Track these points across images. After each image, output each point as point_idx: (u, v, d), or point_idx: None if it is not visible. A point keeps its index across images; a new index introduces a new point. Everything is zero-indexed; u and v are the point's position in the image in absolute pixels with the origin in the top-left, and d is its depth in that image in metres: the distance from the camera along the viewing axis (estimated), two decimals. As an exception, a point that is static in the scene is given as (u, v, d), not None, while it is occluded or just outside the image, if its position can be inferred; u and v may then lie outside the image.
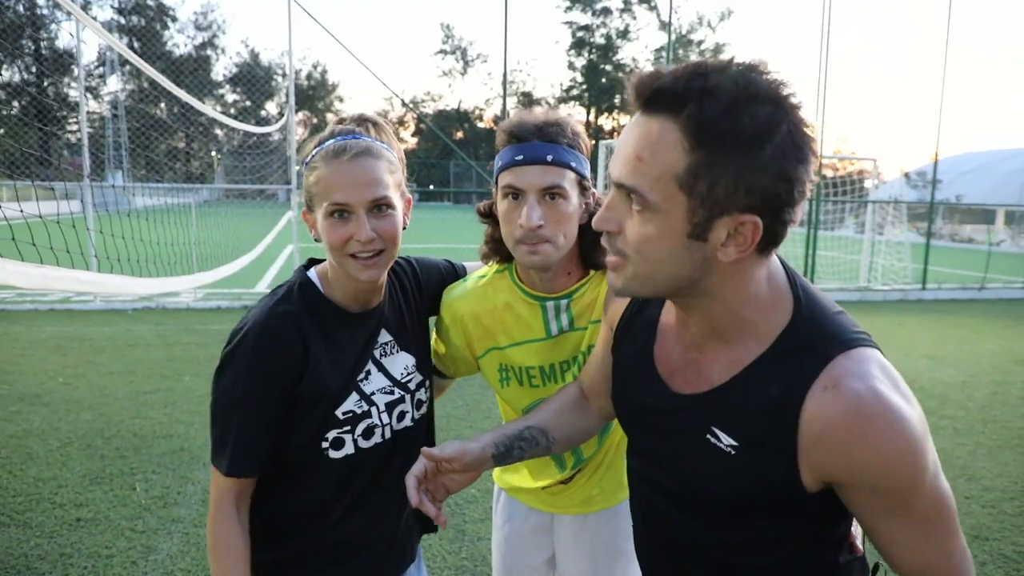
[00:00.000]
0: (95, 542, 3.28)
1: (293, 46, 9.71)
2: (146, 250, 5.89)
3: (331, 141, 1.33)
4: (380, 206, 1.31)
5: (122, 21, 41.21)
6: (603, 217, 0.95)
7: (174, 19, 45.18)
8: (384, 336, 1.47)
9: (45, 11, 35.92)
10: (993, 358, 7.46)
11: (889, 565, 0.99)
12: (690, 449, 1.04)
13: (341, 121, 1.40)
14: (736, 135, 0.83)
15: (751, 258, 0.93)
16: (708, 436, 1.00)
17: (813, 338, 0.95)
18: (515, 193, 1.40)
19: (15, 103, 35.07)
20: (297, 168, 10.05)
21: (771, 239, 0.91)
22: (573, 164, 1.40)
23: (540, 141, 1.39)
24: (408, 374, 1.49)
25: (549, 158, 1.37)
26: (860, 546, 1.13)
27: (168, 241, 7.38)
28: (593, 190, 1.49)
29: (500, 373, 1.61)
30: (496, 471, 1.83)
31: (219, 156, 30.16)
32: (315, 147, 1.35)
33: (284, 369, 1.31)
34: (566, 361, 1.56)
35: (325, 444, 1.37)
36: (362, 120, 1.39)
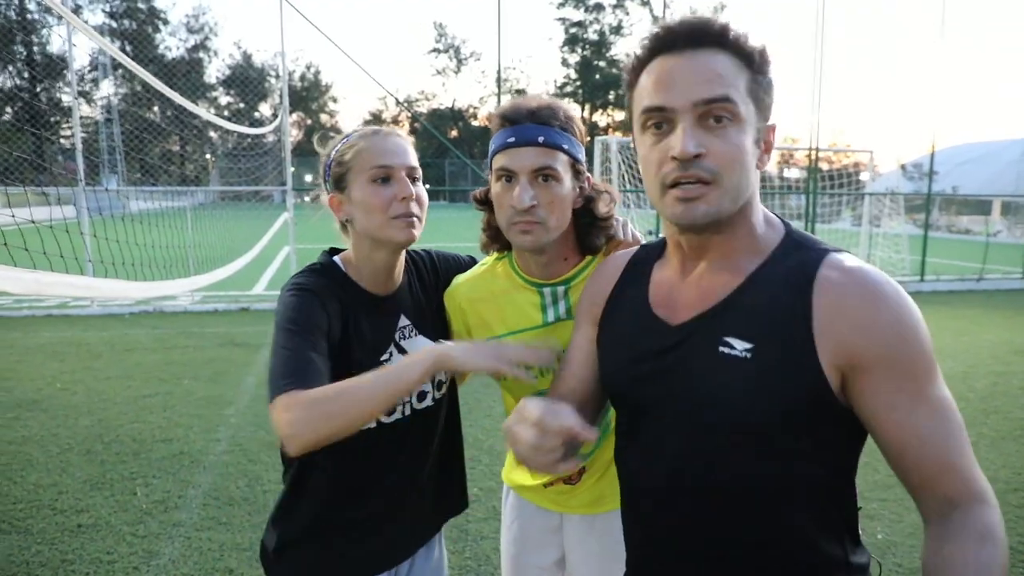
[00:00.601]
0: (96, 548, 3.25)
1: (286, 47, 9.68)
2: (141, 253, 5.87)
3: (364, 128, 1.48)
4: (414, 175, 1.46)
5: (114, 25, 41.10)
6: (688, 143, 0.96)
7: (166, 22, 45.06)
8: (403, 320, 1.54)
9: (36, 16, 35.83)
10: (993, 349, 7.46)
11: (905, 476, 0.97)
12: (703, 370, 1.02)
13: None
14: (763, 61, 1.02)
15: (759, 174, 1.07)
16: (721, 348, 1.01)
17: (807, 244, 1.05)
18: (508, 175, 1.40)
19: (8, 109, 34.93)
20: (293, 170, 10.02)
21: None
22: (565, 146, 1.40)
23: (532, 124, 1.39)
24: None
25: (541, 139, 1.38)
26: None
27: (164, 244, 7.34)
28: (588, 175, 1.49)
29: None
30: (504, 470, 1.82)
31: (214, 159, 30.10)
32: (343, 139, 1.49)
33: (322, 319, 1.34)
34: (562, 351, 1.55)
35: None
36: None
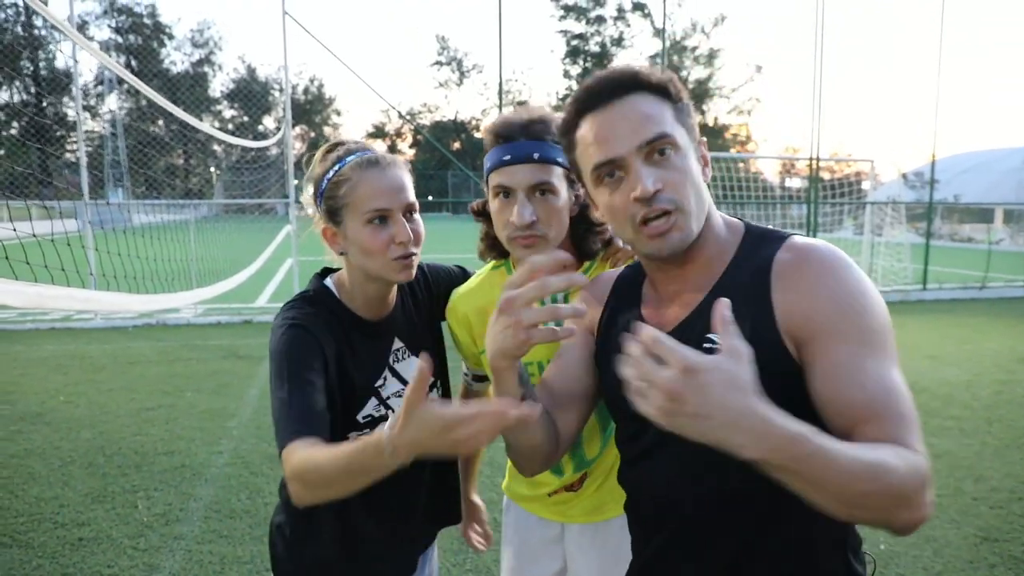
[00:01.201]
0: (97, 561, 3.25)
1: (290, 61, 9.74)
2: (143, 267, 5.88)
3: (359, 155, 1.41)
4: (411, 210, 1.43)
5: (119, 40, 41.41)
6: (647, 182, 1.02)
7: (171, 37, 45.47)
8: (396, 343, 1.54)
9: (43, 31, 36.11)
10: (996, 357, 7.44)
11: (829, 416, 0.95)
12: None
13: (339, 144, 1.48)
14: (677, 90, 1.10)
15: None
16: (705, 346, 1.04)
17: (768, 236, 1.11)
18: (505, 192, 1.43)
19: (14, 123, 35.17)
20: (296, 183, 10.07)
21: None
22: (560, 159, 1.42)
23: (526, 140, 1.42)
24: None
25: (536, 156, 1.40)
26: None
27: (166, 257, 7.37)
28: (582, 182, 1.51)
29: None
30: (505, 481, 1.82)
31: (217, 172, 30.24)
32: (335, 163, 1.42)
33: (317, 353, 1.35)
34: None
35: None
36: (369, 143, 1.50)
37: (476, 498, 2.00)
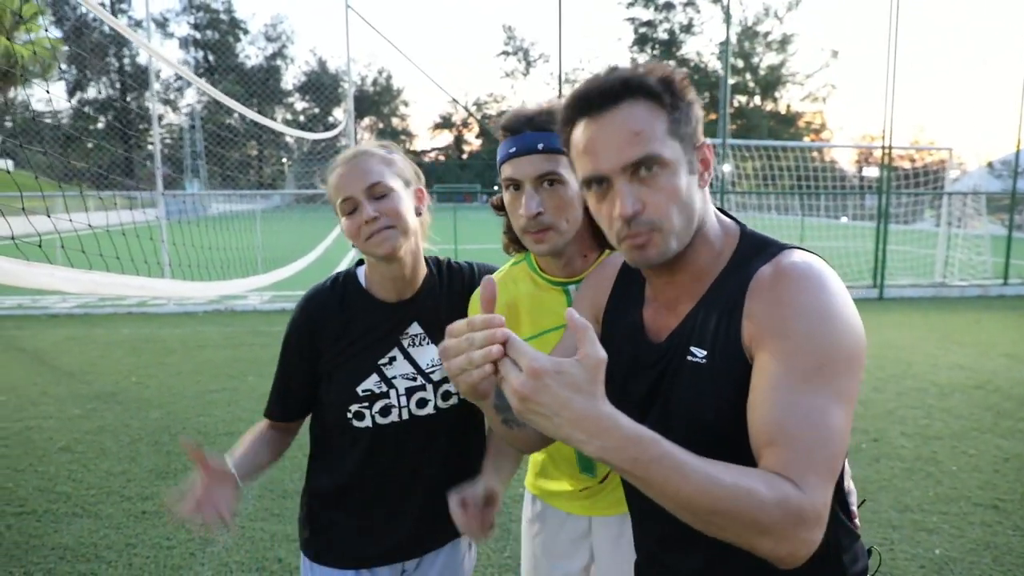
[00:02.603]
0: (158, 534, 3.43)
1: (357, 53, 9.96)
2: (212, 256, 6.13)
3: (340, 156, 1.55)
4: (378, 193, 1.48)
5: (198, 36, 42.97)
6: (627, 204, 1.02)
7: (246, 31, 46.90)
8: (415, 328, 1.60)
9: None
10: (1081, 356, 7.02)
11: (749, 431, 0.94)
12: (674, 381, 1.09)
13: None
14: (674, 92, 1.05)
15: (706, 191, 1.12)
16: (688, 358, 1.07)
17: (763, 247, 1.09)
18: (515, 184, 1.44)
19: (101, 117, 36.99)
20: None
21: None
22: (566, 149, 1.42)
23: (531, 131, 1.42)
24: (434, 366, 1.60)
25: (540, 146, 1.41)
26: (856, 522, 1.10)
27: (235, 246, 7.66)
28: None
29: None
30: (528, 477, 1.81)
31: (289, 163, 31.11)
32: (329, 172, 1.56)
33: (304, 346, 1.58)
34: None
35: (349, 415, 1.56)
36: (370, 144, 1.59)
37: (498, 485, 1.98)
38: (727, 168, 12.57)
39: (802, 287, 0.97)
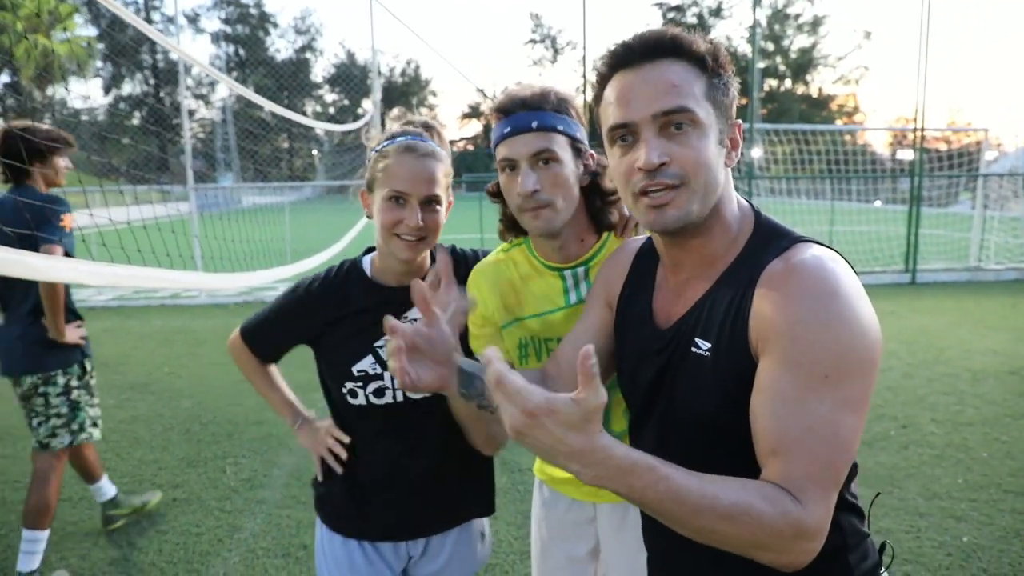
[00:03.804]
0: (187, 520, 3.52)
1: (385, 45, 10.03)
2: (239, 248, 6.22)
3: (403, 139, 1.54)
4: (431, 201, 1.52)
5: (228, 31, 43.45)
6: (652, 154, 1.00)
7: (275, 25, 47.28)
8: (415, 312, 1.60)
9: (160, 27, 38.36)
10: (1122, 341, 6.82)
11: (753, 436, 0.94)
12: (678, 371, 1.09)
13: (410, 122, 1.61)
14: (717, 63, 1.04)
15: (729, 172, 1.08)
16: (693, 349, 1.06)
17: (776, 237, 1.05)
18: (510, 164, 1.44)
19: (136, 113, 37.66)
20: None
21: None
22: (560, 127, 1.42)
23: (525, 111, 1.42)
24: None
25: (534, 124, 1.41)
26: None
27: (264, 238, 7.76)
28: (591, 152, 1.50)
29: (520, 349, 1.61)
30: (536, 463, 1.82)
31: (319, 154, 31.36)
32: (386, 140, 1.56)
33: (301, 318, 1.69)
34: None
35: (344, 391, 1.63)
36: (428, 127, 1.60)
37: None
38: (757, 153, 12.40)
39: (810, 290, 0.93)
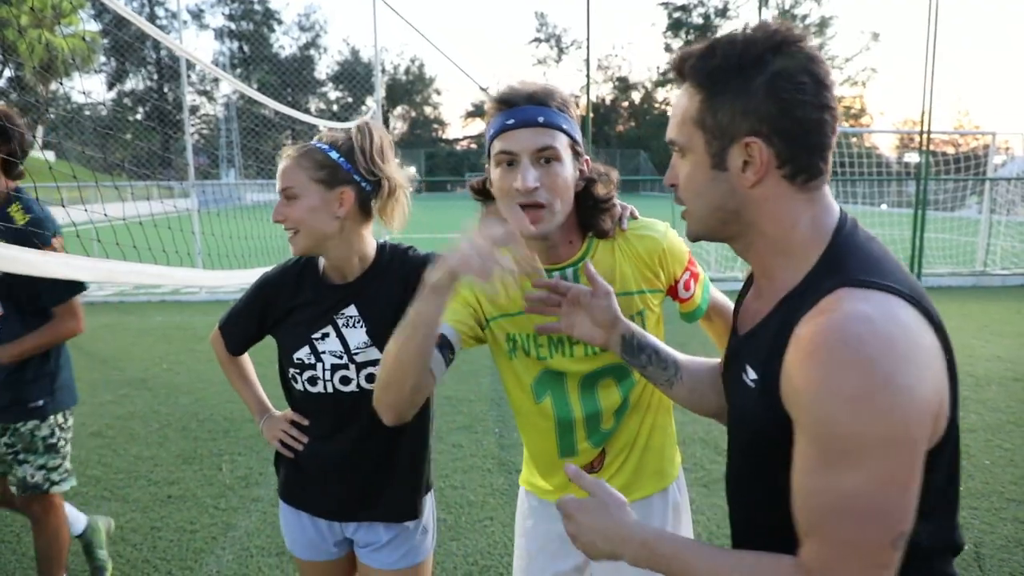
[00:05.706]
0: (182, 517, 3.50)
1: (389, 43, 10.00)
2: (238, 245, 6.20)
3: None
4: (286, 194, 1.67)
5: (232, 27, 43.48)
6: (668, 176, 1.11)
7: (279, 22, 47.29)
8: (351, 310, 1.72)
9: (164, 22, 38.39)
10: None
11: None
12: (735, 390, 1.13)
13: None
14: (724, 71, 0.99)
15: (786, 190, 1.00)
16: (743, 374, 1.08)
17: (831, 273, 0.96)
18: (509, 159, 1.37)
19: (140, 108, 37.69)
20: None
21: (798, 167, 0.98)
22: (564, 127, 1.38)
23: (531, 105, 1.37)
24: (361, 349, 1.70)
25: (541, 119, 1.35)
26: None
27: (263, 235, 7.73)
28: (585, 156, 1.45)
29: (508, 344, 1.56)
30: (523, 474, 1.79)
31: (322, 152, 31.26)
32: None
33: (262, 309, 1.81)
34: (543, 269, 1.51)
35: (290, 376, 1.78)
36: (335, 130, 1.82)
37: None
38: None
39: (836, 356, 0.85)
